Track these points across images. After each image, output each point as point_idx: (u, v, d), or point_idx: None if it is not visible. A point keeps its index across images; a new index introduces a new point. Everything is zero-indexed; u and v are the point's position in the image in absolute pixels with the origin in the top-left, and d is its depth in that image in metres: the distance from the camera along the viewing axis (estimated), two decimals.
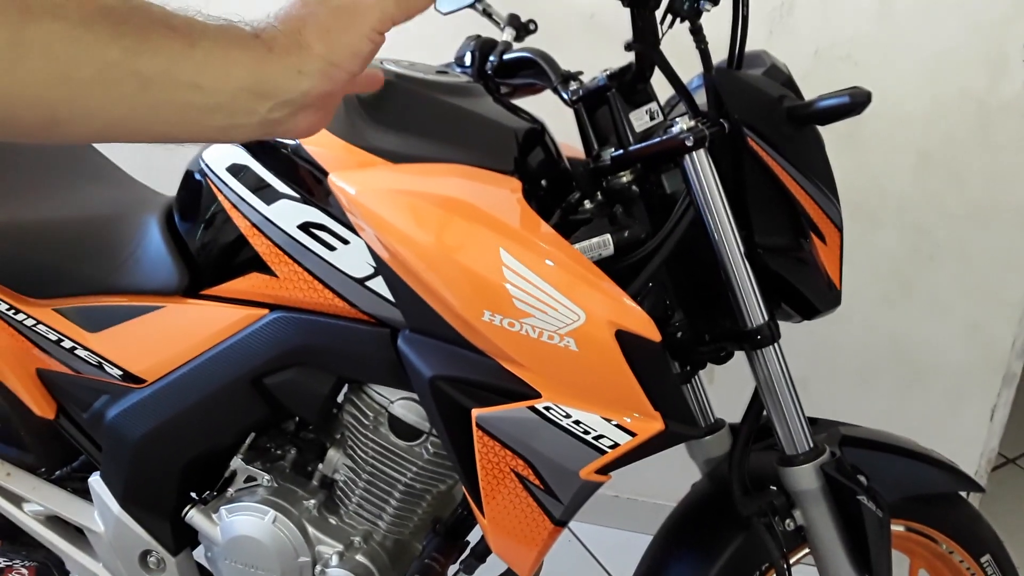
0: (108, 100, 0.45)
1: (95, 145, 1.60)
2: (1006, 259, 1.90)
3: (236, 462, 1.32)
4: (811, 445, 1.14)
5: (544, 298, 0.98)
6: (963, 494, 1.37)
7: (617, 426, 1.04)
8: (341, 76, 0.53)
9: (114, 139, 0.49)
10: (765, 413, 1.16)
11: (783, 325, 1.12)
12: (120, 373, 1.29)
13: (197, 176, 1.22)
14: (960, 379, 2.04)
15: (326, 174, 1.07)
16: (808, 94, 1.14)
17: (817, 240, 1.12)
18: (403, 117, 1.11)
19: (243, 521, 1.30)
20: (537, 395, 1.05)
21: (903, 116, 1.81)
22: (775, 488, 1.19)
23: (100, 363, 1.30)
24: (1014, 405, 2.10)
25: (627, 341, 0.99)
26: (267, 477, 1.31)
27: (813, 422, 1.19)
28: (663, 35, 1.03)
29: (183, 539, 1.40)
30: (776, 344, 1.10)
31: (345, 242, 1.10)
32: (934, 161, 1.84)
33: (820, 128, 1.13)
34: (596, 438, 1.04)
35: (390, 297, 1.10)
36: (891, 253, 1.94)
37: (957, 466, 1.31)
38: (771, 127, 1.07)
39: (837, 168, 1.14)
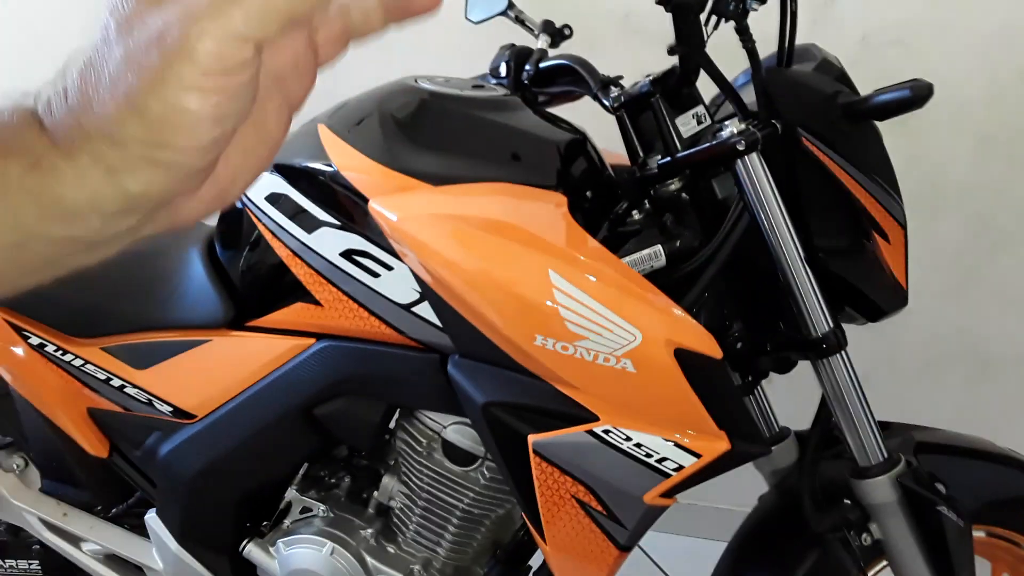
0: None
1: None
2: None
3: (291, 493, 1.30)
4: (885, 455, 1.08)
5: (598, 319, 0.94)
6: None
7: (680, 448, 0.99)
8: (183, 160, 0.31)
9: None
10: (833, 420, 1.11)
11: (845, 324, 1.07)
12: (170, 409, 1.28)
13: (236, 204, 1.21)
14: None
15: (366, 200, 1.04)
16: (858, 83, 1.08)
17: (880, 239, 1.07)
18: (441, 137, 1.08)
19: (301, 554, 1.27)
20: (595, 418, 1.01)
21: (960, 100, 1.74)
22: (849, 502, 1.14)
23: (150, 400, 1.29)
24: None
25: (687, 359, 0.95)
26: (322, 507, 1.29)
27: (885, 427, 1.13)
28: (708, 37, 0.99)
29: (242, 573, 1.38)
30: (843, 352, 1.05)
31: (389, 268, 1.08)
32: (995, 145, 1.77)
33: None
34: (659, 461, 1.00)
35: (437, 322, 1.07)
36: (953, 243, 1.86)
37: None
38: (826, 125, 1.02)
39: (892, 157, 1.08)
